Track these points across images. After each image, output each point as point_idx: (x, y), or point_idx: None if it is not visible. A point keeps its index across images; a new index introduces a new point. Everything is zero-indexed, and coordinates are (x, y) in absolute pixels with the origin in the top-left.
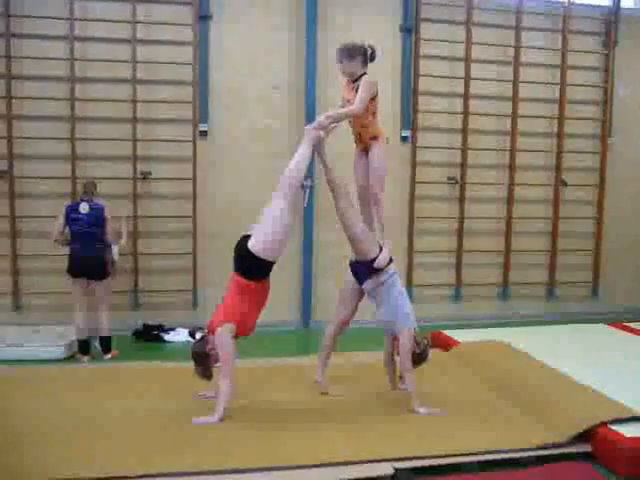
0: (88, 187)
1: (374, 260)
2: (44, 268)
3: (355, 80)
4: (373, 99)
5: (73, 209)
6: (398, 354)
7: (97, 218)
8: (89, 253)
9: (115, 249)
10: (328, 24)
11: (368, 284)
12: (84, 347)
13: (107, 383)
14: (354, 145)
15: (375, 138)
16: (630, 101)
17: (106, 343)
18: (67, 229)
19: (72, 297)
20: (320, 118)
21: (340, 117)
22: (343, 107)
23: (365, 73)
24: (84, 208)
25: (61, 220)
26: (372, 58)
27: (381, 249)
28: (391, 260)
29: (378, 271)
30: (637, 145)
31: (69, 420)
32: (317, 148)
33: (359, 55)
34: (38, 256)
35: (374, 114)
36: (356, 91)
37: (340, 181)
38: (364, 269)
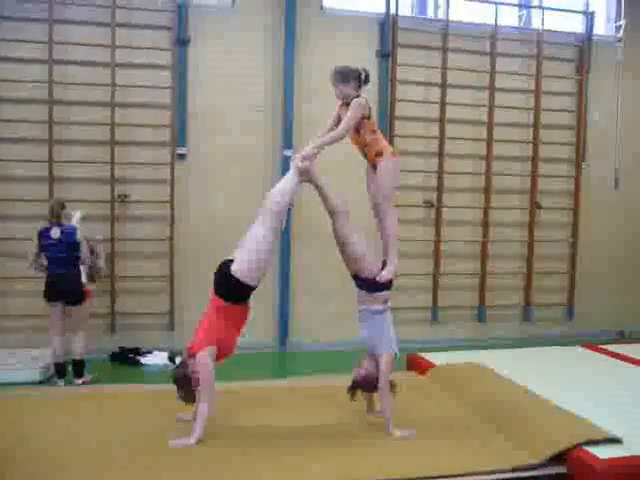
0: (55, 209)
1: (371, 279)
2: (21, 290)
3: (349, 103)
4: (367, 118)
5: (45, 234)
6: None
7: (69, 242)
8: (63, 278)
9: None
10: (306, 47)
11: (360, 294)
12: (60, 371)
13: (83, 406)
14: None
15: (380, 154)
16: (603, 126)
17: (78, 368)
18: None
19: (49, 321)
20: (307, 149)
21: (326, 143)
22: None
23: (358, 96)
24: (55, 233)
25: (34, 247)
26: (366, 81)
27: (383, 266)
28: (390, 285)
29: (372, 292)
30: (610, 169)
31: (41, 444)
32: (307, 177)
33: (353, 79)
34: (14, 278)
35: (373, 131)
36: None
37: (337, 202)
38: (360, 281)
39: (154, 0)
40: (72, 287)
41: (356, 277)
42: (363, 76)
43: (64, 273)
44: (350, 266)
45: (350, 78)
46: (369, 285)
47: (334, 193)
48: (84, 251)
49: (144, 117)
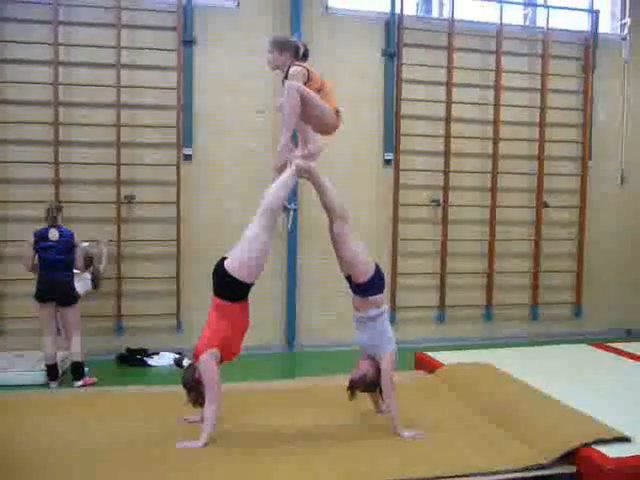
0: (51, 212)
1: (364, 283)
2: (27, 292)
3: (285, 77)
4: (307, 82)
5: (42, 237)
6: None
7: (67, 245)
8: (59, 280)
9: (83, 276)
10: (311, 48)
11: (355, 300)
12: (52, 372)
13: (89, 408)
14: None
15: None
16: (609, 124)
17: (77, 370)
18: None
19: (40, 322)
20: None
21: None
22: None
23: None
24: (53, 235)
25: (31, 251)
26: (304, 56)
27: (376, 270)
28: (383, 288)
29: (366, 296)
30: (616, 167)
31: (49, 446)
32: (306, 175)
33: (288, 51)
34: (21, 280)
35: (319, 91)
36: None
37: (335, 204)
38: (354, 285)
39: (159, 1)
40: (65, 288)
41: (349, 280)
42: (302, 50)
43: (58, 275)
44: (344, 268)
45: (287, 49)
46: (363, 289)
47: (335, 194)
48: (79, 258)
49: (150, 118)
